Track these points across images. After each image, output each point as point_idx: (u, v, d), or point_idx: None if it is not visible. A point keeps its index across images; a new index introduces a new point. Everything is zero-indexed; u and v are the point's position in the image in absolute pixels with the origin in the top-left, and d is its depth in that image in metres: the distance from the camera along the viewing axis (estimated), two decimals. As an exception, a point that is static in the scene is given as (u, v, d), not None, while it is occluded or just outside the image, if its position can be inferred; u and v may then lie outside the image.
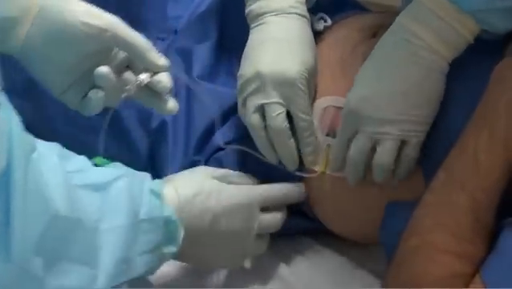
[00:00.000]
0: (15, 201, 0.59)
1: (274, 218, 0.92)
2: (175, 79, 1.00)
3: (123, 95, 0.81)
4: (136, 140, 1.00)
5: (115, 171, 0.77)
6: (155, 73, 0.82)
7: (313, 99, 0.94)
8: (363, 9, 1.11)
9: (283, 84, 0.89)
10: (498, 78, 0.80)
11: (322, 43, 1.00)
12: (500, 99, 0.78)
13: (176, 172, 0.95)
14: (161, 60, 0.82)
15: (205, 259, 0.89)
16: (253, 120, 0.91)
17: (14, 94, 1.02)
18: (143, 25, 1.09)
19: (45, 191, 0.64)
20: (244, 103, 0.92)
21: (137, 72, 0.83)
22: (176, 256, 0.83)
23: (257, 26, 0.94)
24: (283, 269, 0.96)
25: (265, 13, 0.93)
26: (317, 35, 1.02)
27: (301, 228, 1.00)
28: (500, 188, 0.77)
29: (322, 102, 0.94)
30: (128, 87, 0.81)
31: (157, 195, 0.79)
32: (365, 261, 0.97)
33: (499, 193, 0.77)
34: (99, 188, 0.73)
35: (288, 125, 0.91)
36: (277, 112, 0.90)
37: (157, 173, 0.97)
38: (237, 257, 0.91)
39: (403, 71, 0.84)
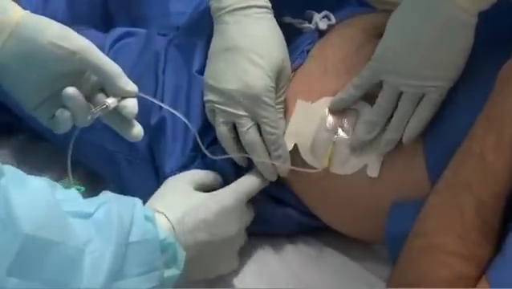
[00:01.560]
0: None
1: (252, 209, 0.95)
2: (178, 75, 1.01)
3: (88, 118, 0.82)
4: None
5: (103, 198, 0.77)
6: (123, 98, 0.83)
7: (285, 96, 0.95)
8: (367, 5, 1.10)
9: (249, 99, 0.90)
10: (505, 78, 0.79)
11: (326, 42, 1.00)
12: (507, 99, 0.77)
13: (174, 167, 0.97)
14: (129, 86, 0.83)
15: (208, 270, 0.90)
16: (222, 131, 0.92)
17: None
18: (144, 21, 1.09)
19: (14, 215, 0.64)
20: (211, 112, 0.93)
21: (110, 95, 0.83)
22: (182, 278, 0.82)
23: (218, 25, 0.94)
24: (283, 269, 0.95)
25: (223, 8, 0.93)
26: (321, 34, 1.02)
27: (302, 226, 1.00)
28: (507, 189, 0.76)
29: (326, 101, 0.93)
30: (93, 110, 0.82)
31: (150, 219, 0.79)
32: (369, 261, 0.96)
33: (506, 194, 0.76)
34: (87, 215, 0.73)
35: (260, 138, 0.91)
36: (247, 127, 0.91)
37: (157, 168, 0.99)
38: (234, 259, 0.92)
39: (426, 25, 0.82)
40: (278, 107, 0.93)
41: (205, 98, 0.94)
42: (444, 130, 0.85)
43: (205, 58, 1.00)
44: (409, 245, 0.79)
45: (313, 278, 0.94)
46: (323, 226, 0.98)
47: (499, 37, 0.86)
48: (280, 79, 0.93)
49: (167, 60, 1.02)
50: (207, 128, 0.96)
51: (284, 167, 0.93)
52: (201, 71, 1.00)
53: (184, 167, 0.96)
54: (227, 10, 0.93)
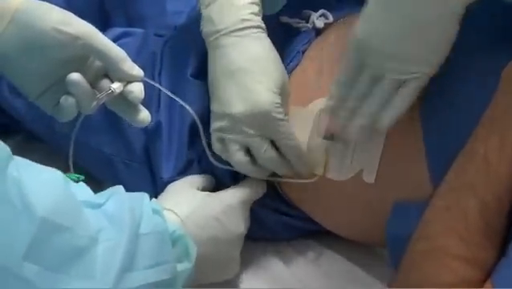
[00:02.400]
0: None
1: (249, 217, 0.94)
2: (173, 78, 0.99)
3: (94, 104, 0.80)
4: (132, 138, 0.99)
5: (111, 190, 0.77)
6: (128, 83, 0.82)
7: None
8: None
9: (259, 119, 0.87)
10: (509, 78, 0.78)
11: (322, 41, 0.99)
12: (511, 100, 0.76)
13: (171, 169, 0.96)
14: (134, 70, 0.82)
15: (215, 272, 0.89)
16: (238, 159, 0.90)
17: (8, 92, 1.02)
18: (141, 20, 1.08)
19: (28, 200, 0.63)
20: (221, 141, 0.90)
21: (115, 80, 0.82)
22: (193, 274, 0.81)
23: (214, 50, 0.91)
24: (285, 271, 0.95)
25: (218, 31, 0.90)
26: (318, 33, 1.01)
27: (303, 230, 1.00)
28: (511, 191, 0.75)
29: (318, 104, 0.92)
30: (98, 96, 0.80)
31: (158, 213, 0.78)
32: (369, 263, 0.96)
33: (510, 196, 0.75)
34: (97, 205, 0.73)
35: (277, 154, 0.90)
36: (264, 148, 0.88)
37: (153, 171, 0.99)
38: (238, 261, 0.91)
39: (415, 8, 0.79)
40: None
41: (213, 127, 0.91)
42: (447, 131, 0.84)
43: (200, 60, 0.99)
44: (412, 248, 0.78)
45: (314, 281, 0.94)
46: (324, 231, 0.97)
47: (502, 36, 0.85)
48: (282, 97, 0.90)
49: (163, 62, 1.01)
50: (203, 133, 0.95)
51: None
52: (196, 75, 0.99)
53: (181, 172, 0.96)
54: (222, 32, 0.90)
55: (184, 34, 1.03)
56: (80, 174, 0.82)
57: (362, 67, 0.83)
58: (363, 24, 0.83)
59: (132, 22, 1.09)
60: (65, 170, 0.85)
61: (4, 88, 1.01)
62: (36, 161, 0.99)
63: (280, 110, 0.88)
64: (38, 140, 1.08)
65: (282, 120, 0.88)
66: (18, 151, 1.06)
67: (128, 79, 0.81)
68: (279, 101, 0.88)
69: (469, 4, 0.79)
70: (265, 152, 0.88)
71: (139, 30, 1.06)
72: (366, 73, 0.83)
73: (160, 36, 1.04)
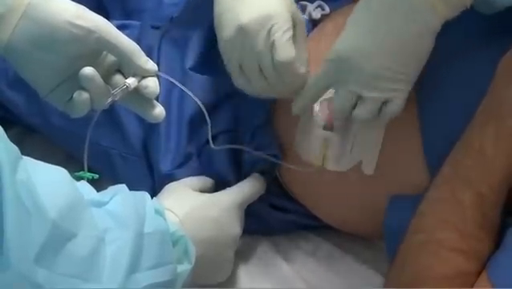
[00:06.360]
0: (7, 210, 0.59)
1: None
2: (171, 71, 0.99)
3: (109, 100, 0.79)
4: (130, 133, 0.99)
5: (115, 188, 0.77)
6: (143, 77, 0.81)
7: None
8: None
9: (264, 22, 0.82)
10: (505, 71, 0.78)
11: (319, 32, 0.99)
12: (506, 92, 0.77)
13: (170, 163, 0.96)
14: (149, 65, 0.80)
15: (210, 274, 0.89)
16: (251, 68, 0.84)
17: (6, 85, 1.02)
18: (138, 11, 1.08)
19: (40, 201, 0.62)
20: (236, 66, 0.86)
21: (128, 76, 0.81)
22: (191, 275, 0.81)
23: None
24: (283, 265, 0.95)
25: None
26: (314, 24, 1.01)
27: (300, 225, 1.00)
28: (507, 183, 0.76)
29: None
30: (113, 92, 0.79)
31: (160, 212, 0.78)
32: (368, 256, 0.96)
33: (506, 188, 0.76)
34: (101, 203, 0.73)
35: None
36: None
37: (151, 166, 0.98)
38: (232, 264, 0.91)
39: (401, 27, 0.79)
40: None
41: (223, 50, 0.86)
42: (443, 123, 0.84)
43: (199, 53, 0.99)
44: (408, 240, 0.79)
45: (312, 274, 0.94)
46: (321, 224, 0.98)
47: (497, 27, 0.85)
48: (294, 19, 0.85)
49: (160, 55, 1.00)
50: (200, 128, 0.94)
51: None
52: (195, 68, 0.99)
53: (180, 165, 0.96)
54: None
55: (182, 26, 1.02)
56: (94, 174, 0.81)
57: (339, 84, 0.82)
58: (341, 41, 0.82)
59: (129, 14, 1.08)
60: (64, 163, 0.86)
61: (2, 82, 1.01)
62: (34, 154, 1.00)
63: (288, 16, 0.83)
64: (35, 132, 1.08)
65: (288, 29, 0.82)
66: (16, 144, 1.08)
67: (143, 74, 0.80)
68: (292, 10, 0.83)
69: (446, 20, 0.79)
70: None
71: (135, 23, 1.05)
72: (343, 91, 0.82)
73: (157, 28, 1.04)
